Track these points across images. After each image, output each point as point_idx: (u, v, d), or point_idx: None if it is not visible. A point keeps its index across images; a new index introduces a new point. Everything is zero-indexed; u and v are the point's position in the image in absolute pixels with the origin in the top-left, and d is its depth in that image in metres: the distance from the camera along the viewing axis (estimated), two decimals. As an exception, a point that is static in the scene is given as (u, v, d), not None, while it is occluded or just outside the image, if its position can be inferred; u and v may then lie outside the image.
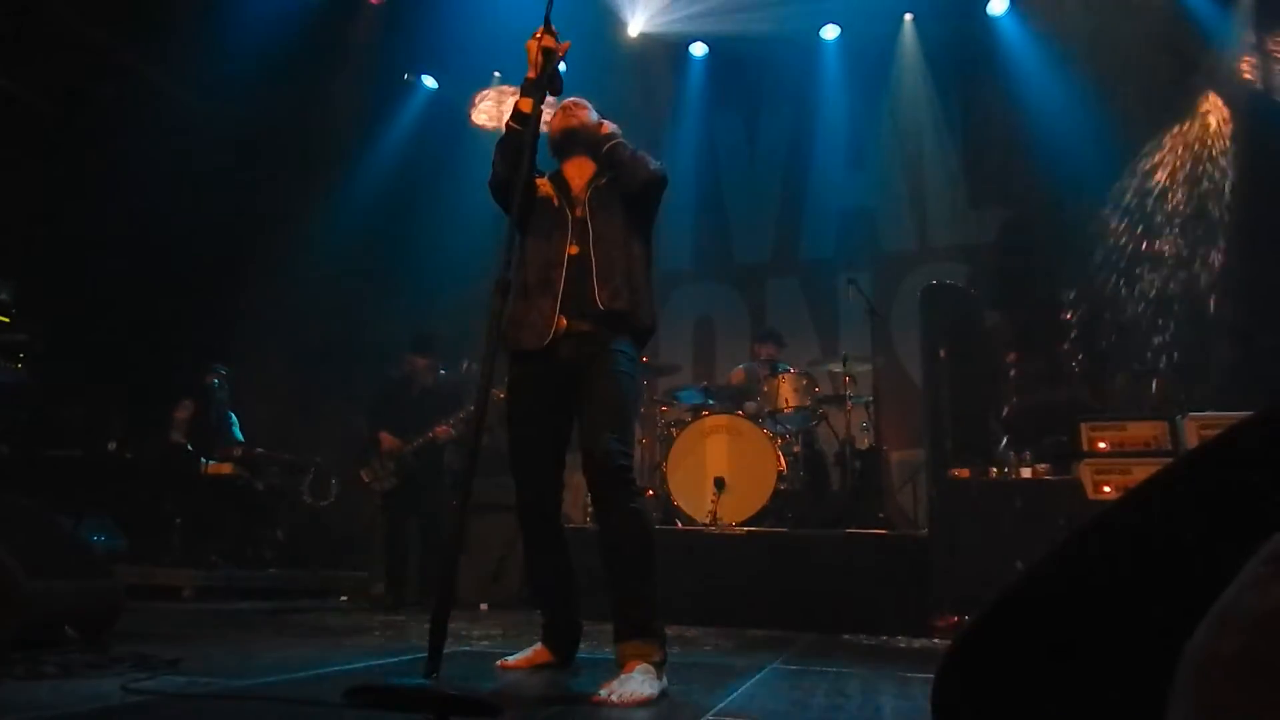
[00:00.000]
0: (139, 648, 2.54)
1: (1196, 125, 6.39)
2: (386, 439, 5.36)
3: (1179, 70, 6.34)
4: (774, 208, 8.04)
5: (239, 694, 2.07)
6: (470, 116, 7.96)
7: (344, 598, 5.87)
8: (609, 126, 2.82)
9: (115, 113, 6.16)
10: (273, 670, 2.43)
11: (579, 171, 2.80)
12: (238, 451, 5.93)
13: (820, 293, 7.63)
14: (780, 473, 5.04)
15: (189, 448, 5.80)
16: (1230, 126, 6.16)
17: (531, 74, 2.56)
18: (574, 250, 2.64)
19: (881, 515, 5.34)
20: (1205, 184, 6.16)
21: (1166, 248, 6.26)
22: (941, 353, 5.66)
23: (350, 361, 7.12)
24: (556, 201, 2.74)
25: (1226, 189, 6.02)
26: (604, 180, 2.74)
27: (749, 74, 7.99)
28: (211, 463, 5.79)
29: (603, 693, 2.15)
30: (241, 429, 6.18)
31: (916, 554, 4.51)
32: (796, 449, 5.56)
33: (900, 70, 7.64)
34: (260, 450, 6.08)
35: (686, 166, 8.04)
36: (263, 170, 6.93)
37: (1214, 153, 6.18)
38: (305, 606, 5.13)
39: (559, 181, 2.79)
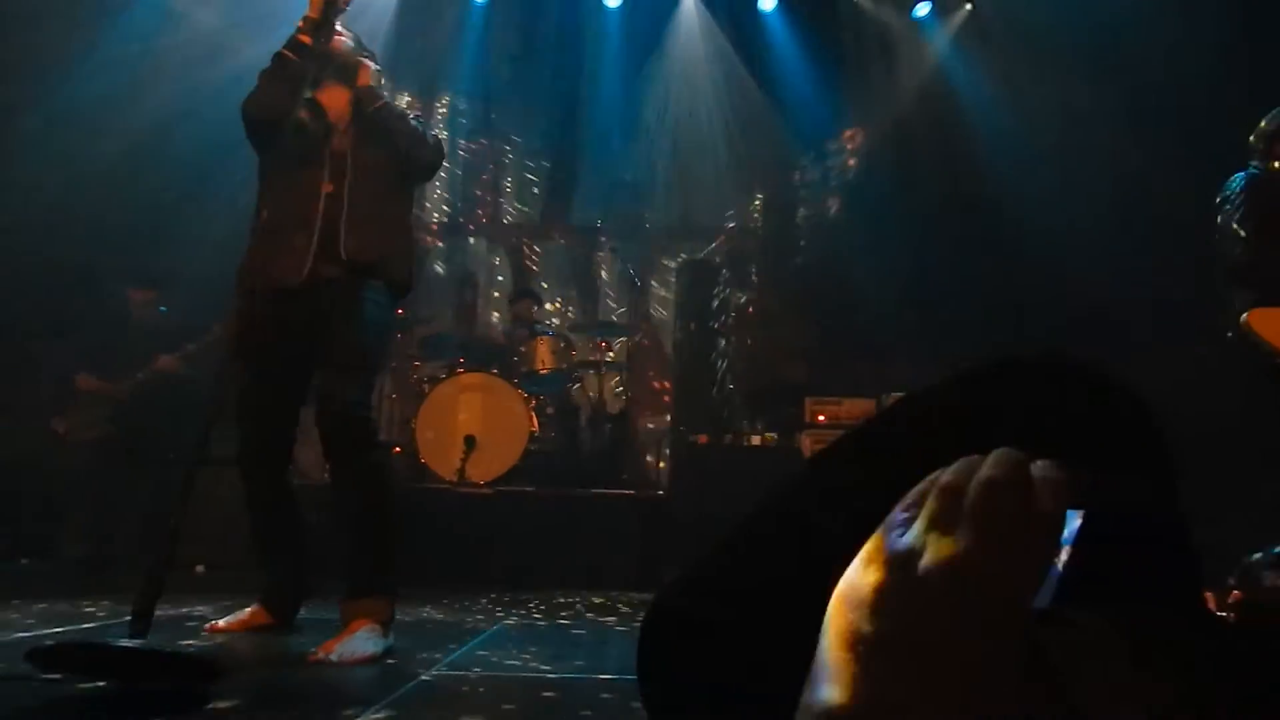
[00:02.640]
0: None
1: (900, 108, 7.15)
2: (86, 381, 4.72)
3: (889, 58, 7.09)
4: (545, 169, 8.00)
5: None
6: None
7: (24, 560, 5.12)
8: (369, 74, 2.64)
9: None
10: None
11: (334, 100, 2.61)
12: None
13: (584, 259, 7.73)
14: (532, 433, 5.07)
15: None
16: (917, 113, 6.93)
17: (311, 14, 2.46)
18: (329, 188, 2.47)
19: (625, 476, 5.56)
20: (906, 166, 6.84)
21: (877, 231, 6.89)
22: (692, 326, 5.98)
23: (53, 294, 6.13)
24: (311, 130, 2.53)
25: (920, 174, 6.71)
26: (364, 124, 2.58)
27: (530, 32, 7.84)
28: None
29: (321, 653, 2.06)
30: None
31: (655, 514, 4.74)
32: (550, 410, 5.62)
33: (677, 46, 7.84)
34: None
35: (459, 118, 7.76)
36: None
37: (914, 136, 6.89)
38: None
39: (313, 107, 2.57)
